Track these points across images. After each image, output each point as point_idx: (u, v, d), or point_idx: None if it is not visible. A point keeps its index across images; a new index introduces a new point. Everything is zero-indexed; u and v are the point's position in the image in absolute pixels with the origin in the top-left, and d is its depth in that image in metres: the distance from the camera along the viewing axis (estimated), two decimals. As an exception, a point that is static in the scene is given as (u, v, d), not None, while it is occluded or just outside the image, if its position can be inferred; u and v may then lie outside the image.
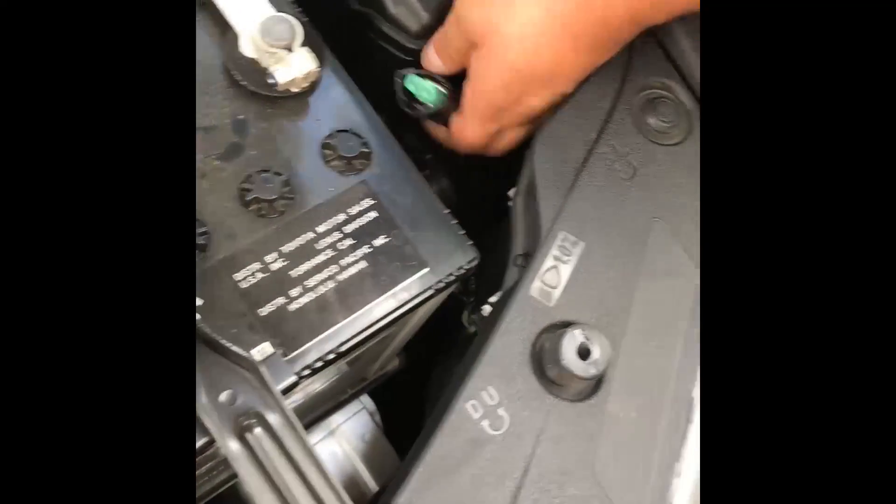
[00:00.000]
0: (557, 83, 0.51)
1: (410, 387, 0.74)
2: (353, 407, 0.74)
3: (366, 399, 0.75)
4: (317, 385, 0.67)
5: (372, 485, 0.72)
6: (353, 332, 0.47)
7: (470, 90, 0.53)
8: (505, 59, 0.49)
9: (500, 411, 0.44)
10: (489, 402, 0.44)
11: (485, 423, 0.43)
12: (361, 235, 0.49)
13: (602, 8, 0.46)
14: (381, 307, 0.48)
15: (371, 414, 0.75)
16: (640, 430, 0.45)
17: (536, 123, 0.54)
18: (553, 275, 0.47)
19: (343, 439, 0.73)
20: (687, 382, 0.47)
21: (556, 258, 0.47)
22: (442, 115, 0.57)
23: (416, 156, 0.75)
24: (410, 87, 0.56)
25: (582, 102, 0.50)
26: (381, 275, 0.48)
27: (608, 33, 0.48)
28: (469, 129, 0.55)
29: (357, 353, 0.49)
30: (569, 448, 0.44)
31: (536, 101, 0.52)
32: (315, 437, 0.71)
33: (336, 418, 0.73)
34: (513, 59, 0.49)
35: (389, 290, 0.48)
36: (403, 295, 0.48)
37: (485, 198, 0.64)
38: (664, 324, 0.48)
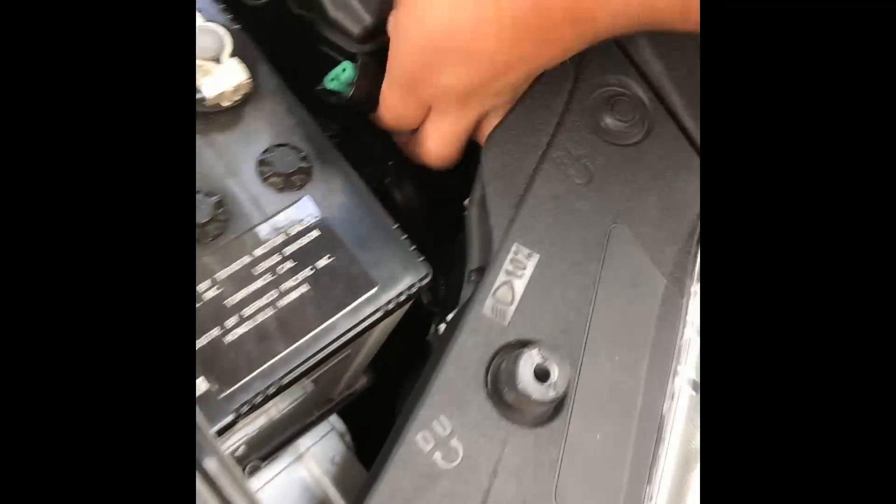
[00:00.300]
0: (475, 63, 0.45)
1: (382, 404, 0.71)
2: (322, 428, 0.71)
3: (335, 419, 0.72)
4: (277, 409, 0.64)
5: (345, 509, 0.69)
6: (297, 363, 0.43)
7: (389, 55, 0.50)
8: (421, 21, 0.45)
9: (454, 442, 0.41)
10: (441, 433, 0.41)
11: (437, 456, 0.40)
12: (303, 257, 0.46)
13: None
14: (327, 333, 0.44)
15: (341, 435, 0.72)
16: (606, 454, 0.42)
17: (466, 118, 0.50)
18: (506, 290, 0.44)
19: (312, 463, 0.70)
20: (655, 398, 0.44)
21: (509, 273, 0.44)
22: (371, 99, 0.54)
23: (377, 163, 0.72)
24: (332, 86, 0.53)
25: (532, 104, 0.47)
26: (325, 298, 0.45)
27: (541, 22, 0.43)
28: (387, 99, 0.52)
29: (305, 381, 0.46)
30: (529, 478, 0.41)
31: (453, 79, 0.46)
32: (282, 463, 0.68)
33: (304, 441, 0.70)
34: (429, 24, 0.45)
35: (335, 314, 0.45)
36: (350, 319, 0.45)
37: (454, 202, 0.61)
38: (628, 336, 0.45)
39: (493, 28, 0.43)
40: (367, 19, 0.53)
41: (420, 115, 0.52)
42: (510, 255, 0.44)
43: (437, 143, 0.53)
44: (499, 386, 0.42)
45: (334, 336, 0.44)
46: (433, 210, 0.75)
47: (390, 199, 0.74)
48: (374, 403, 0.73)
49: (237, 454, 0.65)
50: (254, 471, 0.67)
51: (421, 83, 0.49)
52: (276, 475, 0.68)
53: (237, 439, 0.63)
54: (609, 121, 0.48)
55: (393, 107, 0.52)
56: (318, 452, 0.70)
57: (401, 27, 0.48)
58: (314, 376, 0.50)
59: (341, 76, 0.52)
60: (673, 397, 0.44)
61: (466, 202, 0.50)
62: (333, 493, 0.69)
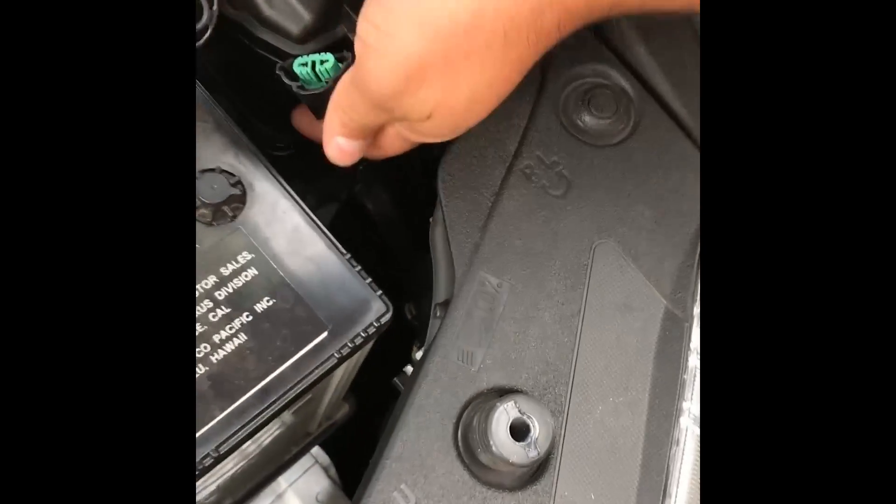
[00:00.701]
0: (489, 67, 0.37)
1: (369, 432, 0.64)
2: (304, 463, 0.65)
3: (318, 452, 0.66)
4: (252, 448, 0.58)
5: (333, 550, 0.63)
6: (236, 427, 0.37)
7: (368, 57, 0.42)
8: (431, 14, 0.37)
9: (419, 514, 0.35)
10: (405, 504, 0.35)
11: (401, 533, 0.34)
12: (239, 301, 0.39)
13: None
14: (271, 390, 0.38)
15: (325, 469, 0.66)
16: (602, 516, 0.36)
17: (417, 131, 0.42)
18: (474, 329, 0.37)
19: (295, 503, 0.64)
20: (659, 445, 0.37)
21: (477, 308, 0.38)
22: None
23: (343, 169, 0.66)
24: (300, 71, 0.45)
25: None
26: (266, 349, 0.39)
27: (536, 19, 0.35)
28: (350, 109, 0.42)
29: (252, 445, 0.40)
30: (512, 552, 0.34)
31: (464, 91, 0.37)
32: (260, 505, 0.63)
33: (284, 479, 0.64)
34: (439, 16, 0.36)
35: (279, 366, 0.39)
36: (298, 370, 0.39)
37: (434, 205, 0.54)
38: (623, 373, 0.38)
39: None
40: (307, 17, 0.47)
41: (367, 144, 0.45)
42: (475, 287, 0.38)
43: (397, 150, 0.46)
44: (471, 445, 0.35)
45: (279, 392, 0.38)
46: (411, 215, 0.69)
47: (363, 211, 0.68)
48: (359, 432, 0.67)
49: (207, 501, 0.59)
50: (229, 518, 0.61)
51: (405, 95, 0.38)
52: (255, 520, 0.62)
53: (208, 484, 0.57)
54: (587, 118, 0.41)
55: (353, 118, 0.42)
56: (301, 490, 0.65)
57: (395, 20, 0.37)
58: (265, 437, 0.44)
59: (320, 66, 0.44)
60: (678, 442, 0.37)
61: (432, 219, 0.44)
62: (320, 533, 0.64)
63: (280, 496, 0.63)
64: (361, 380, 0.57)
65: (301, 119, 0.52)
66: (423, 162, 0.66)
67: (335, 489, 0.65)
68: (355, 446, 0.66)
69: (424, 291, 0.64)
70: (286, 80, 0.45)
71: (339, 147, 0.43)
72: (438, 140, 0.42)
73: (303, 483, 0.64)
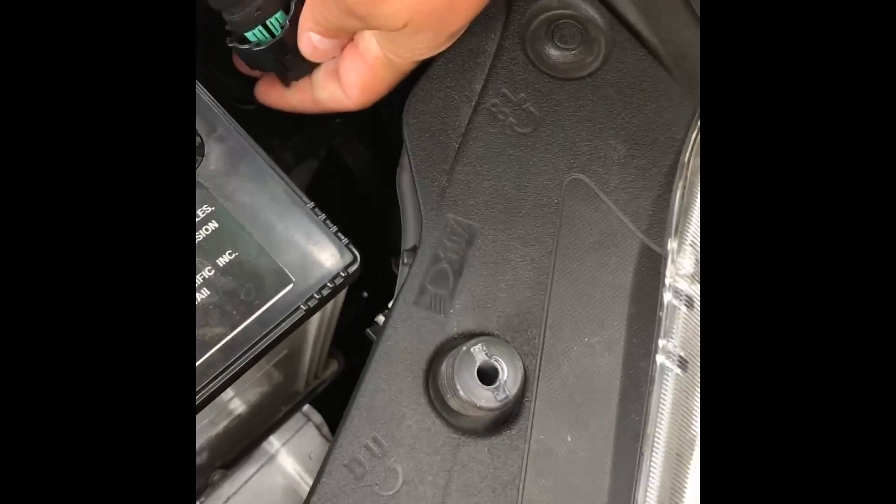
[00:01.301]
0: None
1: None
2: (296, 422, 0.65)
3: (310, 411, 0.66)
4: (241, 404, 0.58)
5: (328, 508, 0.63)
6: (202, 384, 0.36)
7: None
8: None
9: (391, 463, 0.34)
10: (376, 454, 0.34)
11: (372, 483, 0.34)
12: (200, 255, 0.38)
13: None
14: (236, 344, 0.37)
15: (317, 427, 0.65)
16: (581, 460, 0.35)
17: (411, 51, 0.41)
18: (443, 274, 0.36)
19: (287, 462, 0.64)
20: (636, 385, 0.36)
21: (446, 251, 0.36)
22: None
23: (321, 123, 0.64)
24: (252, 35, 0.43)
25: (458, 48, 0.39)
26: (230, 302, 0.38)
27: None
28: (317, 18, 0.40)
29: (236, 401, 0.39)
30: (487, 499, 0.34)
31: None
32: (252, 467, 0.62)
33: (276, 440, 0.63)
34: None
35: (244, 320, 0.38)
36: (263, 324, 0.38)
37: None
38: (598, 312, 0.37)
39: None
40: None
41: (343, 45, 0.43)
42: (446, 231, 0.36)
43: (363, 80, 0.43)
44: (441, 391, 0.34)
45: (245, 347, 0.37)
46: (391, 168, 0.67)
47: (343, 166, 0.66)
48: (350, 389, 0.67)
49: (197, 463, 0.59)
50: (221, 479, 0.61)
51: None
52: (248, 480, 0.62)
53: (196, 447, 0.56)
54: (553, 52, 0.40)
55: (327, 19, 0.40)
56: (293, 449, 0.64)
57: None
58: (248, 392, 0.43)
59: (271, 21, 0.43)
60: (655, 380, 0.36)
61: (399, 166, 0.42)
62: (314, 491, 0.63)
63: (273, 456, 0.63)
64: (349, 337, 0.57)
65: (268, 92, 0.49)
66: (399, 113, 0.65)
67: (328, 447, 0.65)
68: (347, 404, 0.66)
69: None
70: (241, 48, 0.43)
71: (312, 43, 0.41)
72: (418, 56, 0.40)
73: (295, 442, 0.64)
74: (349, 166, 0.66)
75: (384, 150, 0.67)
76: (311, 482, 0.63)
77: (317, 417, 0.66)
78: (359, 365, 0.67)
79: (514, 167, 0.38)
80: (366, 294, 0.62)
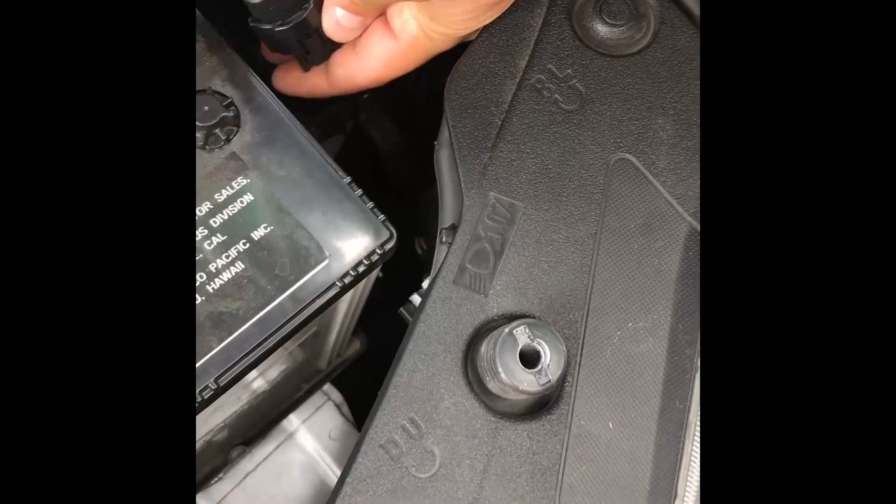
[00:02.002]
0: None
1: (381, 368, 0.63)
2: (316, 401, 0.64)
3: (330, 389, 0.65)
4: (262, 383, 0.57)
5: (347, 487, 0.62)
6: (236, 358, 0.36)
7: None
8: None
9: (428, 445, 0.33)
10: (412, 435, 0.33)
11: (408, 464, 0.33)
12: (235, 228, 0.37)
13: None
14: (270, 321, 0.36)
15: (337, 406, 0.65)
16: (622, 447, 0.34)
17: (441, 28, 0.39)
18: (484, 253, 0.35)
19: (306, 440, 0.63)
20: (681, 372, 0.35)
21: (487, 230, 0.35)
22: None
23: (348, 98, 0.63)
24: None
25: (502, 22, 0.38)
26: (265, 278, 0.37)
27: None
28: None
29: (260, 380, 0.39)
30: (525, 483, 0.33)
31: None
32: (272, 444, 0.62)
33: (295, 418, 0.63)
34: None
35: (278, 295, 0.37)
36: (298, 300, 0.37)
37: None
38: (643, 297, 0.36)
39: None
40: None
41: (366, 25, 0.42)
42: (487, 209, 0.35)
43: (391, 56, 0.41)
44: (480, 373, 0.34)
45: (279, 322, 0.36)
46: (420, 145, 0.66)
47: (369, 141, 0.65)
48: (371, 369, 0.66)
49: (217, 439, 0.58)
50: (240, 455, 0.60)
51: None
52: (267, 457, 0.61)
53: (216, 423, 0.56)
54: (601, 28, 0.38)
55: (349, 3, 0.39)
56: (313, 427, 0.64)
57: None
58: (271, 369, 0.42)
59: None
60: (700, 368, 0.35)
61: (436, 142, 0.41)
62: (334, 471, 0.63)
63: (292, 434, 0.63)
64: (372, 316, 0.56)
65: (284, 77, 0.47)
66: (431, 90, 0.63)
67: (348, 426, 0.64)
68: (367, 383, 0.65)
69: (434, 224, 0.62)
70: (264, 27, 0.42)
71: (337, 21, 0.39)
72: (456, 31, 0.39)
73: (315, 420, 0.63)
74: (375, 142, 0.65)
75: (411, 127, 0.66)
76: (329, 460, 0.63)
77: (337, 396, 0.65)
78: (375, 344, 0.67)
79: (559, 145, 0.37)
80: (381, 274, 0.61)
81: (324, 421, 0.64)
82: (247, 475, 0.62)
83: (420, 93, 0.66)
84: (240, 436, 0.60)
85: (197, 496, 0.60)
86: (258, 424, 0.61)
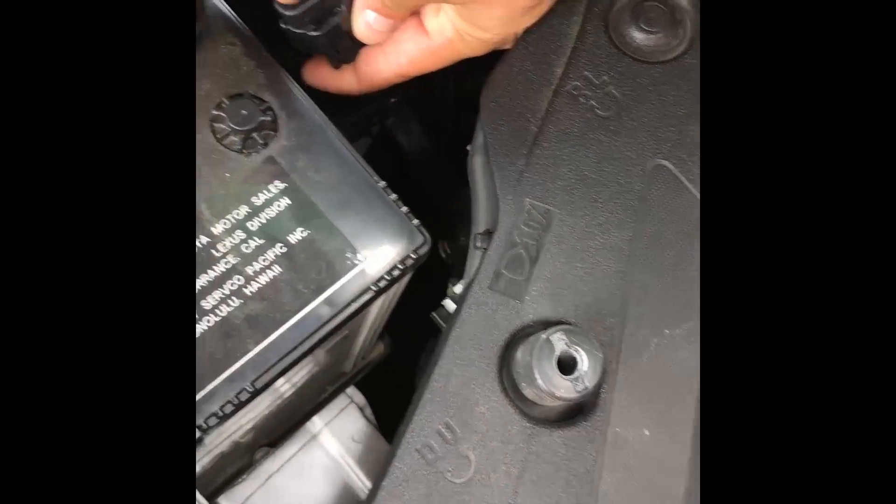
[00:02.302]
0: None
1: (405, 371, 0.63)
2: (339, 403, 0.64)
3: (353, 392, 0.65)
4: (288, 387, 0.58)
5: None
6: (272, 362, 0.36)
7: None
8: None
9: (463, 450, 0.33)
10: (448, 440, 0.33)
11: (443, 469, 0.33)
12: (272, 232, 0.38)
13: None
14: (306, 324, 0.37)
15: (361, 409, 0.65)
16: (659, 455, 0.34)
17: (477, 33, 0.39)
18: (520, 259, 0.35)
19: (330, 442, 0.63)
20: (714, 379, 0.35)
21: (523, 236, 0.36)
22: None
23: (376, 102, 0.63)
24: None
25: (538, 29, 0.38)
26: (301, 281, 0.37)
27: None
28: None
29: (286, 384, 0.39)
30: (560, 490, 0.33)
31: None
32: (295, 445, 0.62)
33: (319, 420, 0.63)
34: None
35: (314, 299, 0.37)
36: (333, 304, 0.37)
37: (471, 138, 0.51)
38: (680, 303, 0.36)
39: None
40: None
41: (396, 27, 0.42)
42: (522, 215, 0.35)
43: (420, 54, 0.42)
44: (516, 379, 0.34)
45: (315, 326, 0.37)
46: (447, 150, 0.66)
47: (395, 145, 0.66)
48: (395, 371, 0.66)
49: (244, 441, 0.59)
50: (264, 456, 0.61)
51: None
52: (290, 459, 0.62)
53: (244, 423, 0.56)
54: (637, 35, 0.38)
55: (380, 6, 0.39)
56: (336, 430, 0.64)
57: None
58: (301, 372, 0.43)
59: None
60: (736, 377, 0.35)
61: (469, 148, 0.41)
62: (357, 473, 0.63)
63: (315, 436, 0.63)
64: (395, 319, 0.56)
65: (315, 73, 0.47)
66: (458, 94, 0.64)
67: (371, 429, 0.64)
68: (391, 386, 0.65)
69: (459, 228, 0.62)
70: (297, 31, 0.42)
71: (368, 23, 0.40)
72: (490, 34, 0.38)
73: (338, 423, 0.63)
74: (401, 145, 0.66)
75: (437, 131, 0.66)
76: (352, 463, 0.63)
77: (360, 399, 0.66)
78: (400, 345, 0.67)
79: (595, 151, 0.37)
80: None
81: (347, 423, 0.64)
82: (270, 476, 0.62)
83: (447, 98, 0.66)
84: (265, 437, 0.60)
85: (221, 497, 0.61)
86: (283, 426, 0.61)
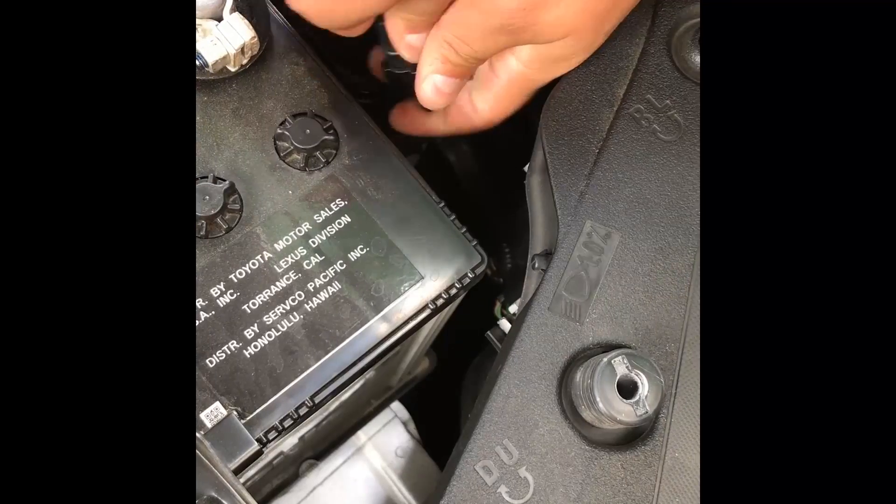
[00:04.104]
0: None
1: (448, 387, 0.64)
2: (383, 417, 0.65)
3: (398, 407, 0.66)
4: (331, 404, 0.58)
5: (413, 505, 0.63)
6: (331, 377, 0.36)
7: None
8: None
9: (522, 472, 0.33)
10: (506, 461, 0.33)
11: (502, 490, 0.33)
12: (333, 248, 0.38)
13: None
14: (365, 340, 0.37)
15: (404, 423, 0.65)
16: (714, 480, 0.34)
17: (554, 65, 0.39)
18: (580, 281, 0.35)
19: (374, 456, 0.64)
20: (773, 407, 0.35)
21: (583, 259, 0.36)
22: None
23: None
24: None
25: (600, 51, 0.38)
26: (361, 297, 0.38)
27: None
28: (474, 42, 0.35)
29: (345, 394, 0.39)
30: (618, 514, 0.33)
31: (572, 9, 0.33)
32: (340, 458, 0.62)
33: (364, 433, 0.64)
34: None
35: (373, 315, 0.38)
36: (392, 320, 0.38)
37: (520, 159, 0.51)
38: (737, 330, 0.36)
39: None
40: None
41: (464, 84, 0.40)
42: (583, 237, 0.36)
43: (497, 100, 0.41)
44: (575, 402, 0.34)
45: (374, 342, 0.37)
46: (495, 168, 0.66)
47: (444, 162, 0.66)
48: (439, 387, 0.66)
49: (290, 453, 0.59)
50: (309, 468, 0.61)
51: (541, 8, 0.33)
52: (335, 471, 0.62)
53: (295, 437, 0.57)
54: (700, 59, 0.38)
55: (462, 49, 0.36)
56: (380, 444, 0.64)
57: None
58: (355, 387, 0.43)
59: None
60: (797, 405, 0.35)
61: (526, 168, 0.42)
62: (399, 487, 0.63)
63: (360, 449, 0.63)
64: (440, 335, 0.56)
65: (403, 118, 0.47)
66: (519, 117, 0.64)
67: (414, 444, 0.64)
68: (434, 402, 0.65)
69: (505, 246, 0.62)
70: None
71: (436, 87, 0.38)
72: (564, 69, 0.37)
73: (382, 437, 0.64)
74: (449, 163, 0.66)
75: (487, 150, 0.66)
76: (395, 477, 0.64)
77: (404, 414, 0.66)
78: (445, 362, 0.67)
79: (657, 175, 0.37)
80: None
81: (391, 438, 0.64)
82: (314, 489, 0.62)
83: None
84: (310, 449, 0.61)
85: (265, 508, 0.61)
86: (328, 438, 0.62)
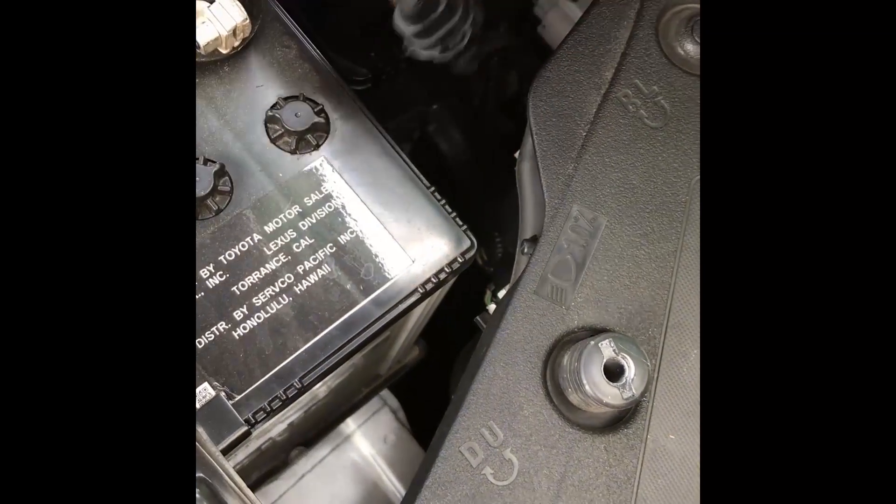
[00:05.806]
0: None
1: (438, 376, 0.64)
2: (373, 405, 0.65)
3: (387, 395, 0.66)
4: (325, 388, 0.58)
5: (401, 492, 0.63)
6: (320, 360, 0.37)
7: None
8: None
9: (507, 453, 0.34)
10: (491, 443, 0.34)
11: (487, 472, 0.33)
12: (323, 231, 0.38)
13: None
14: (354, 323, 0.37)
15: (394, 411, 0.66)
16: (695, 464, 0.34)
17: None
18: (566, 265, 0.36)
19: (362, 444, 0.64)
20: (756, 392, 0.35)
21: (570, 242, 0.36)
22: None
23: (418, 108, 0.64)
24: None
25: (589, 33, 0.38)
26: (350, 280, 0.38)
27: None
28: None
29: (334, 377, 0.39)
30: (601, 496, 0.33)
31: None
32: (329, 445, 0.63)
33: (352, 421, 0.64)
34: None
35: (363, 298, 0.38)
36: (381, 304, 0.38)
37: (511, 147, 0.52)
38: (721, 315, 0.36)
39: None
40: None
41: None
42: (570, 221, 0.36)
43: None
44: (560, 385, 0.34)
45: (363, 325, 0.37)
46: (486, 157, 0.67)
47: (435, 149, 0.66)
48: (429, 376, 0.67)
49: (280, 440, 0.59)
50: (298, 456, 0.62)
51: None
52: (323, 458, 0.63)
53: (283, 422, 0.57)
54: (688, 46, 0.39)
55: None
56: (369, 432, 0.65)
57: None
58: (347, 369, 0.43)
59: None
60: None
61: (517, 154, 0.42)
62: (388, 474, 0.64)
63: (348, 437, 0.64)
64: (430, 323, 0.57)
65: None
66: (499, 101, 0.64)
67: (403, 432, 0.65)
68: (424, 390, 0.66)
69: (496, 235, 0.62)
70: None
71: None
72: None
73: (371, 425, 0.64)
74: (441, 151, 0.66)
75: (477, 138, 0.66)
76: (384, 465, 0.64)
77: (393, 402, 0.66)
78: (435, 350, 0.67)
79: (643, 161, 0.37)
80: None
81: (380, 425, 0.65)
82: (302, 476, 0.63)
83: (487, 105, 0.67)
84: (300, 436, 0.61)
85: (255, 494, 0.61)
86: (317, 426, 0.62)
